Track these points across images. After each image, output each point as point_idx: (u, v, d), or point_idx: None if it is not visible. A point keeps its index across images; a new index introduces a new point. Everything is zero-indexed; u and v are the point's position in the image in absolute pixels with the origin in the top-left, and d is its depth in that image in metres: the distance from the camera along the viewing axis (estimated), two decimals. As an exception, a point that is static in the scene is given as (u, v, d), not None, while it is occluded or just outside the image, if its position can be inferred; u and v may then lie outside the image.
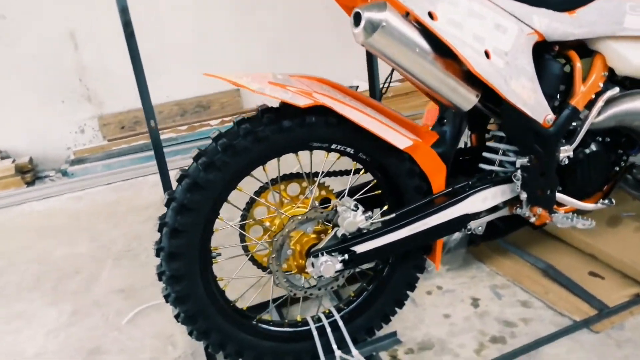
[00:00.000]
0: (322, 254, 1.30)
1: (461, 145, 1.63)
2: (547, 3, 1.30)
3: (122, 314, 1.88)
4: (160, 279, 1.30)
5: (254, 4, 3.74)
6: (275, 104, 1.28)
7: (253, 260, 1.52)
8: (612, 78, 1.45)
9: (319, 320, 1.49)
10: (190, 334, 1.36)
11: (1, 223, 2.89)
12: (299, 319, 1.50)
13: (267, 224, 1.46)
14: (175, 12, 3.52)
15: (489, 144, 1.53)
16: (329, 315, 1.50)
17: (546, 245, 1.91)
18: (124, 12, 1.70)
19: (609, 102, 1.42)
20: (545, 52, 1.37)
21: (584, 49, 1.43)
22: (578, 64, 1.40)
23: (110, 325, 1.83)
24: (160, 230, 1.27)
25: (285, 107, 1.26)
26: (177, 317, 1.34)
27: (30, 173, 3.37)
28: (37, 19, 3.31)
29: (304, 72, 1.36)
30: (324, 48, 3.93)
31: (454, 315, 1.65)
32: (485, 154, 1.53)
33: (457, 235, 1.96)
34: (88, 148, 3.56)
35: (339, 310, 1.52)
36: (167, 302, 1.32)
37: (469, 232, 1.52)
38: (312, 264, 1.31)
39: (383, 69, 1.68)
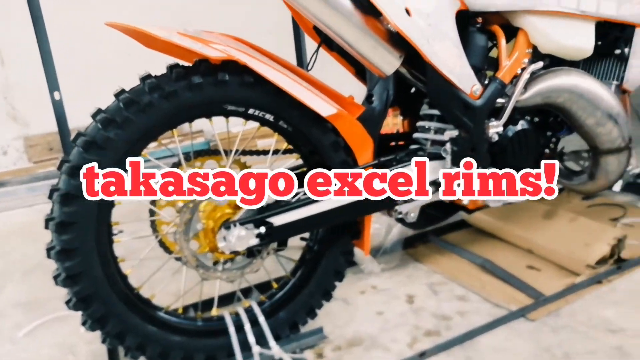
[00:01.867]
0: (235, 226, 1.18)
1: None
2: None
3: (20, 326, 1.66)
4: (48, 256, 1.14)
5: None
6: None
7: (163, 246, 1.37)
8: (537, 56, 1.45)
9: (238, 315, 1.34)
10: (84, 323, 1.18)
11: None
12: (214, 312, 1.35)
13: (181, 203, 1.32)
14: (112, 35, 3.42)
15: (420, 123, 1.47)
16: (248, 310, 1.36)
17: (484, 243, 1.84)
18: (39, 27, 1.57)
19: (534, 79, 1.41)
20: (470, 25, 1.35)
21: (509, 27, 1.42)
22: (502, 39, 1.39)
23: (4, 338, 1.61)
24: (50, 196, 1.12)
25: (197, 64, 1.17)
26: (84, 323, 1.18)
27: (-59, 196, 3.09)
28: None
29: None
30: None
31: (388, 312, 1.53)
32: (416, 135, 1.48)
33: (393, 235, 1.88)
34: (11, 171, 3.32)
35: (260, 304, 1.38)
36: (56, 283, 1.15)
37: (399, 218, 1.44)
38: (224, 238, 1.19)
39: (310, 45, 1.62)
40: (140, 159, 1.15)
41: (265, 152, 1.46)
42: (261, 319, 1.32)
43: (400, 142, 1.58)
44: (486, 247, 1.81)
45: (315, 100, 1.22)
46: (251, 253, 1.28)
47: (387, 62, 1.24)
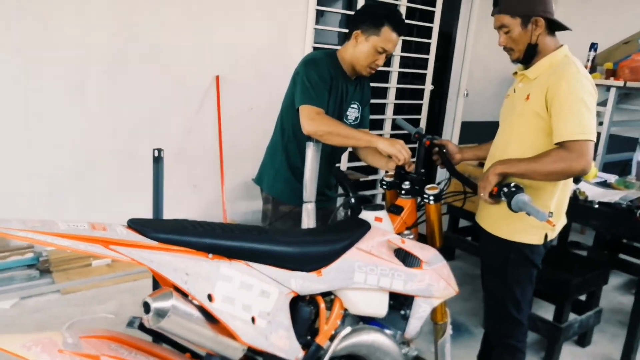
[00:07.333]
0: None
1: None
2: (301, 267, 1.68)
3: None
4: None
5: (33, 149, 3.64)
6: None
7: None
8: (349, 314, 1.89)
9: None
10: None
11: None
12: None
13: None
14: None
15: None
16: None
17: None
18: None
19: (344, 336, 1.85)
20: (299, 300, 1.74)
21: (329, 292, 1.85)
22: (322, 306, 1.80)
23: None
24: None
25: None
26: None
27: None
28: None
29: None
30: (106, 190, 3.96)
31: None
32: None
33: None
34: None
35: None
36: None
37: None
38: None
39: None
40: None
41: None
42: None
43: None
44: None
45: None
46: None
47: (237, 350, 1.56)
